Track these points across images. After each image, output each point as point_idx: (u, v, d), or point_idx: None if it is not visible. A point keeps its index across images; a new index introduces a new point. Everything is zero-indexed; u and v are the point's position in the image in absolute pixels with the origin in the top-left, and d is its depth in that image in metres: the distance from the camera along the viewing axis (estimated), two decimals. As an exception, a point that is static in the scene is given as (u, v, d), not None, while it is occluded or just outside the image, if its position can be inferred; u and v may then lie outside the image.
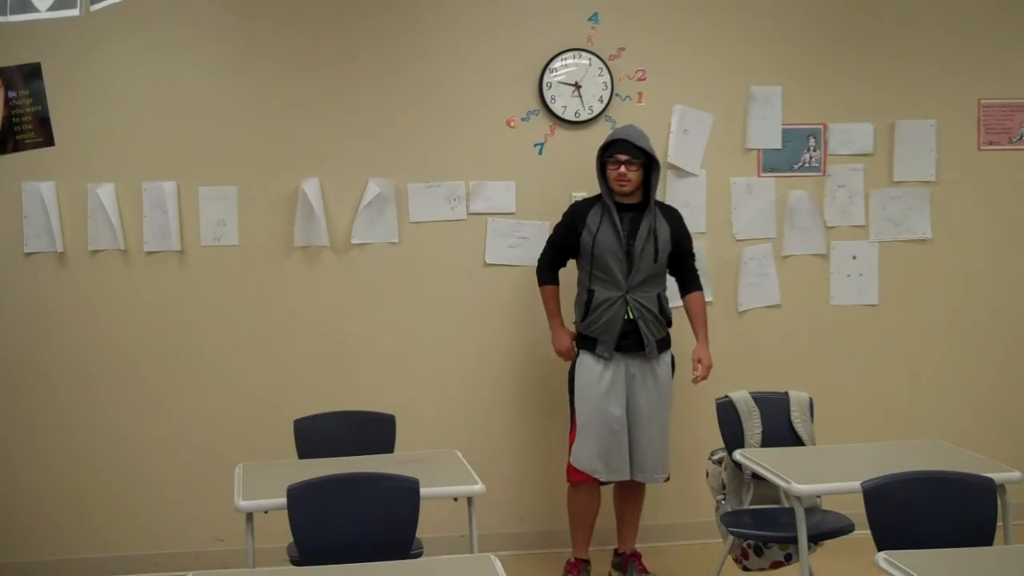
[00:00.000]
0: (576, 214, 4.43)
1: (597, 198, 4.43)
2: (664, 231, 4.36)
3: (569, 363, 4.45)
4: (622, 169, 4.30)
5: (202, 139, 4.72)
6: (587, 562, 4.54)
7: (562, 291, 4.53)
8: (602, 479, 4.37)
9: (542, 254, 4.54)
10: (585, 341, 4.37)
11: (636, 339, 4.30)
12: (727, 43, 4.99)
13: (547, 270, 4.52)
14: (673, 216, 4.48)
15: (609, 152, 4.35)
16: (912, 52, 5.10)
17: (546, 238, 4.60)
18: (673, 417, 4.97)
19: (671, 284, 4.53)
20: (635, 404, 4.34)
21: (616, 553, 4.63)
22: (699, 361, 4.43)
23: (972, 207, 5.18)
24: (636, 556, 4.56)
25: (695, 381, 4.44)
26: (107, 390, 4.73)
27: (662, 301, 4.39)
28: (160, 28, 4.67)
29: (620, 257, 4.28)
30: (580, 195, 4.87)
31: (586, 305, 4.35)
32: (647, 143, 4.35)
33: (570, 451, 4.38)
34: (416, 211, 4.84)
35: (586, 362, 4.35)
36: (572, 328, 4.49)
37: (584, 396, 4.34)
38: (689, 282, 4.53)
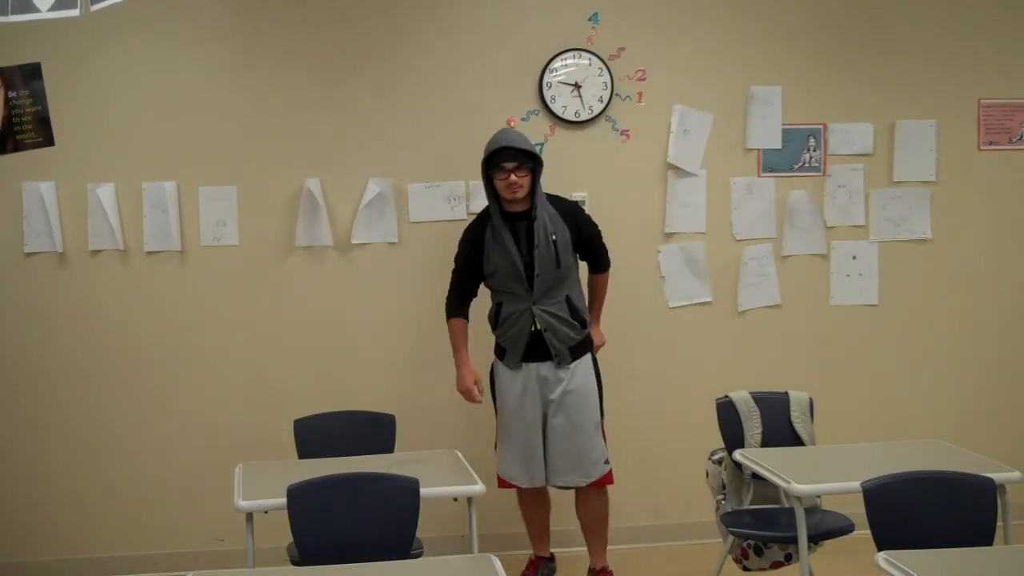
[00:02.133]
0: (470, 241, 4.30)
1: (487, 214, 4.29)
2: (563, 232, 4.21)
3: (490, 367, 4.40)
4: (512, 177, 4.12)
5: (202, 139, 4.72)
6: (547, 559, 4.53)
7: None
8: (523, 485, 4.29)
9: (449, 289, 4.37)
10: (499, 349, 4.33)
11: (545, 348, 4.22)
12: (727, 43, 4.99)
13: (453, 302, 4.35)
14: (569, 210, 4.31)
15: (493, 162, 4.15)
16: (912, 52, 5.10)
17: None
18: (673, 417, 4.99)
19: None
20: (550, 409, 4.23)
21: (590, 571, 4.44)
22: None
23: (972, 207, 5.18)
24: (605, 573, 4.41)
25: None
26: (107, 390, 4.73)
27: (573, 304, 4.25)
28: (160, 28, 4.67)
29: (520, 273, 4.16)
30: (580, 195, 4.88)
31: (495, 316, 4.30)
32: (529, 144, 4.20)
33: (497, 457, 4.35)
34: (416, 211, 4.84)
35: (500, 369, 4.31)
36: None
37: (501, 404, 4.31)
38: (596, 264, 4.43)
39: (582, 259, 4.39)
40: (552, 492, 4.47)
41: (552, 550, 4.58)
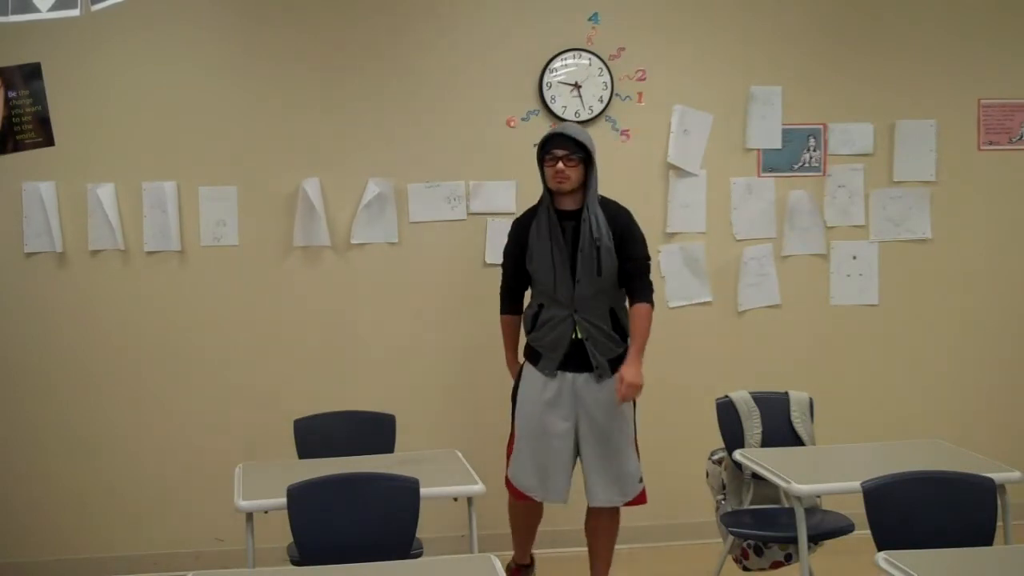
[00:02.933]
0: (517, 234, 4.10)
1: (535, 209, 4.09)
2: (608, 240, 3.96)
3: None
4: (559, 166, 3.91)
5: (202, 139, 4.72)
6: (527, 566, 4.40)
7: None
8: (537, 499, 4.06)
9: (501, 288, 4.21)
10: (531, 353, 4.09)
11: (584, 359, 3.99)
12: (727, 43, 4.99)
13: (505, 300, 4.19)
14: (620, 220, 4.04)
15: (545, 148, 3.98)
16: (912, 52, 5.10)
17: None
18: (673, 417, 4.99)
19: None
20: (586, 424, 4.01)
21: None
22: (621, 378, 3.90)
23: (972, 207, 5.18)
24: None
25: (618, 402, 3.97)
26: (107, 390, 4.73)
27: (616, 316, 4.02)
28: (160, 28, 4.67)
29: (562, 274, 3.94)
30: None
31: (533, 319, 4.06)
32: (586, 137, 3.98)
33: (508, 464, 4.12)
34: (416, 211, 4.84)
35: (530, 374, 4.06)
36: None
37: (525, 409, 4.06)
38: (634, 292, 4.02)
39: (619, 281, 4.03)
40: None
41: (537, 551, 4.48)
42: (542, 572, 4.48)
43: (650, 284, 4.06)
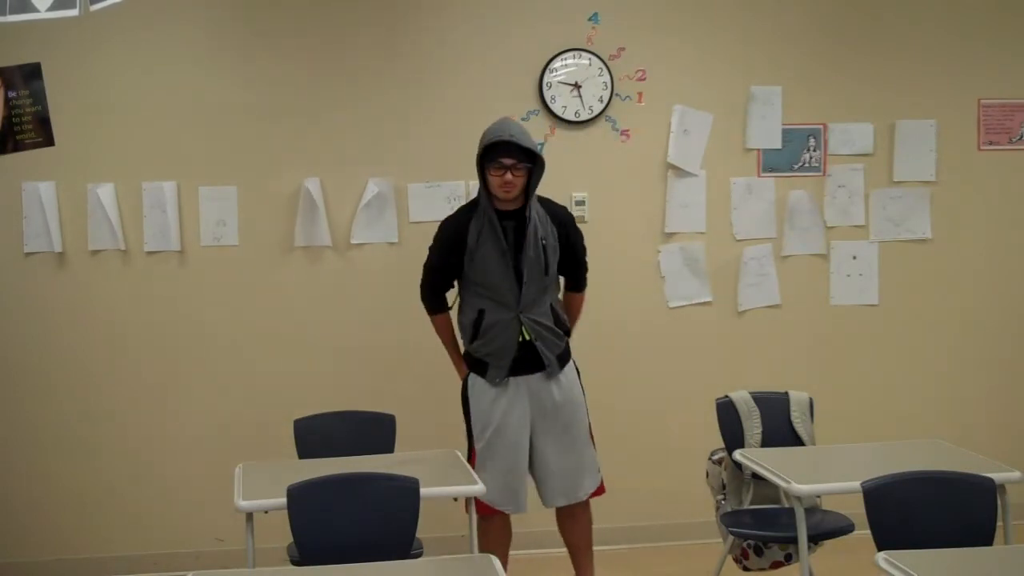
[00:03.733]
0: (453, 232, 3.96)
1: (472, 207, 3.98)
2: (552, 239, 3.94)
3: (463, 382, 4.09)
4: (507, 176, 3.80)
5: (202, 139, 4.72)
6: None
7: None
8: (509, 512, 4.00)
9: (423, 281, 4.09)
10: (475, 364, 3.98)
11: (533, 359, 3.94)
12: (727, 43, 4.99)
13: (433, 297, 4.07)
14: (561, 218, 4.02)
15: (490, 156, 3.83)
16: (912, 52, 5.10)
17: None
18: (673, 417, 4.99)
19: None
20: (543, 423, 3.98)
21: None
22: None
23: (972, 207, 5.18)
24: None
25: None
26: (107, 390, 4.73)
27: (556, 311, 4.00)
28: (160, 28, 4.67)
29: (508, 276, 3.86)
30: (581, 195, 4.88)
31: (474, 326, 3.94)
32: (530, 140, 3.89)
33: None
34: (416, 211, 4.84)
35: (478, 385, 3.97)
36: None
37: (481, 424, 3.97)
38: (578, 281, 4.14)
39: (561, 272, 4.07)
40: None
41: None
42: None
43: (587, 269, 4.18)
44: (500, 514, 4.02)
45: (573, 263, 4.10)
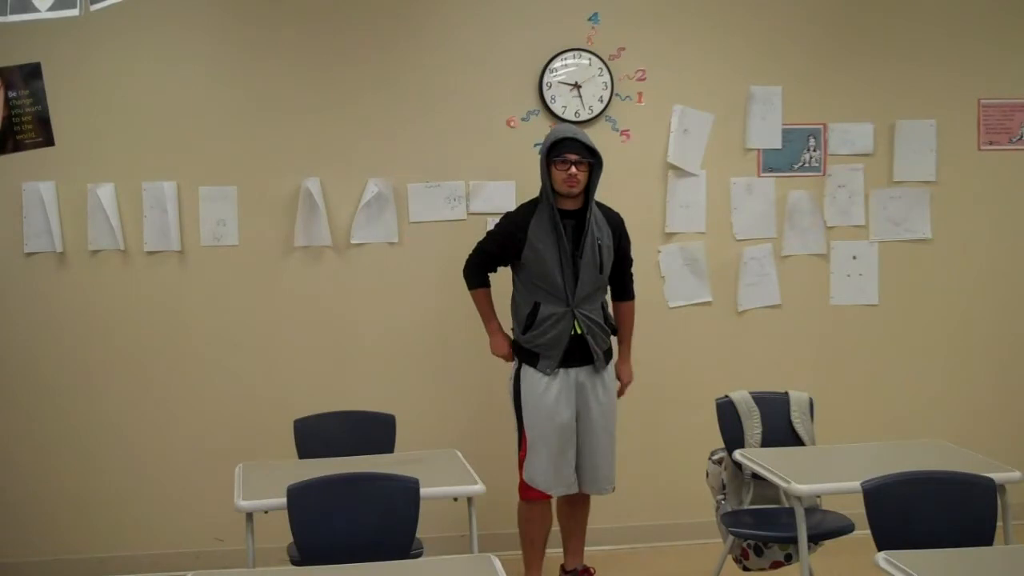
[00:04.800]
0: (515, 225, 4.17)
1: (533, 205, 4.19)
2: (607, 240, 4.18)
3: (512, 372, 4.26)
4: (572, 170, 4.05)
5: (202, 139, 4.72)
6: None
7: (496, 296, 4.36)
8: (557, 494, 4.21)
9: (471, 258, 4.30)
10: (527, 354, 4.17)
11: (583, 353, 4.14)
12: (727, 43, 4.99)
13: (478, 274, 4.29)
14: (616, 222, 4.27)
15: (557, 151, 4.08)
16: (912, 52, 5.10)
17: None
18: (673, 417, 5.00)
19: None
20: (587, 415, 4.18)
21: (564, 570, 4.43)
22: (619, 377, 4.33)
23: (972, 207, 5.18)
24: (588, 572, 4.40)
25: (619, 396, 4.34)
26: (107, 390, 4.73)
27: (606, 310, 4.24)
28: (160, 28, 4.67)
29: (567, 271, 4.08)
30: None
31: (529, 317, 4.13)
32: (593, 143, 4.15)
33: (521, 467, 4.21)
34: (416, 211, 4.84)
35: (530, 375, 4.16)
36: (509, 333, 4.33)
37: (533, 411, 4.15)
38: (624, 289, 4.36)
39: (609, 279, 4.27)
40: None
41: (518, 552, 4.40)
42: (522, 572, 4.44)
43: (633, 280, 4.40)
44: (544, 499, 4.24)
45: (621, 268, 4.30)
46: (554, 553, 4.50)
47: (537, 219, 4.13)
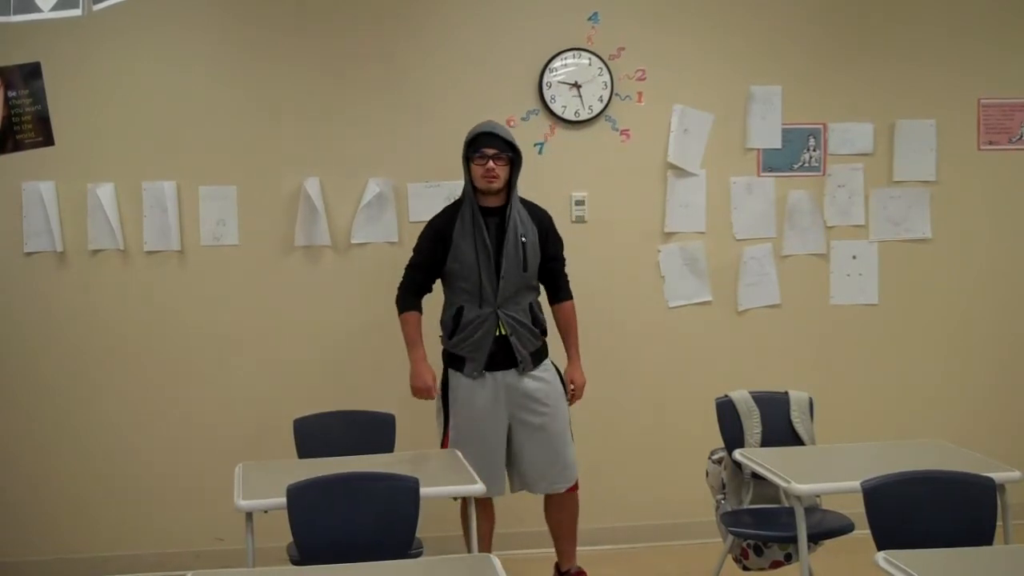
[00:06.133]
0: (436, 230, 4.11)
1: (455, 207, 4.15)
2: (532, 237, 4.09)
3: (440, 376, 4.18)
4: (490, 164, 4.00)
5: (202, 139, 4.72)
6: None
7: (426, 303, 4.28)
8: (485, 496, 3.96)
9: (404, 281, 4.20)
10: (453, 360, 4.14)
11: (507, 355, 4.07)
12: (727, 43, 4.99)
13: (411, 297, 4.16)
14: (541, 218, 4.18)
15: (474, 147, 4.04)
16: (912, 52, 5.10)
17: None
18: (673, 417, 4.99)
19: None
20: (521, 416, 4.10)
21: (558, 571, 4.38)
22: (571, 382, 4.22)
23: (972, 207, 5.18)
24: (581, 574, 4.32)
25: (571, 403, 4.23)
26: (107, 390, 4.73)
27: (535, 311, 4.14)
28: (160, 28, 4.67)
29: (488, 270, 4.01)
30: (580, 195, 4.89)
31: (453, 321, 4.09)
32: (512, 137, 4.10)
33: None
34: (416, 211, 4.84)
35: (456, 380, 4.12)
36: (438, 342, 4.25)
37: (458, 414, 4.11)
38: (558, 290, 4.25)
39: (540, 280, 4.22)
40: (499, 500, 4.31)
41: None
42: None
43: (567, 279, 4.28)
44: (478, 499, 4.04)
45: (551, 268, 4.20)
46: (548, 553, 4.51)
47: (460, 220, 4.08)
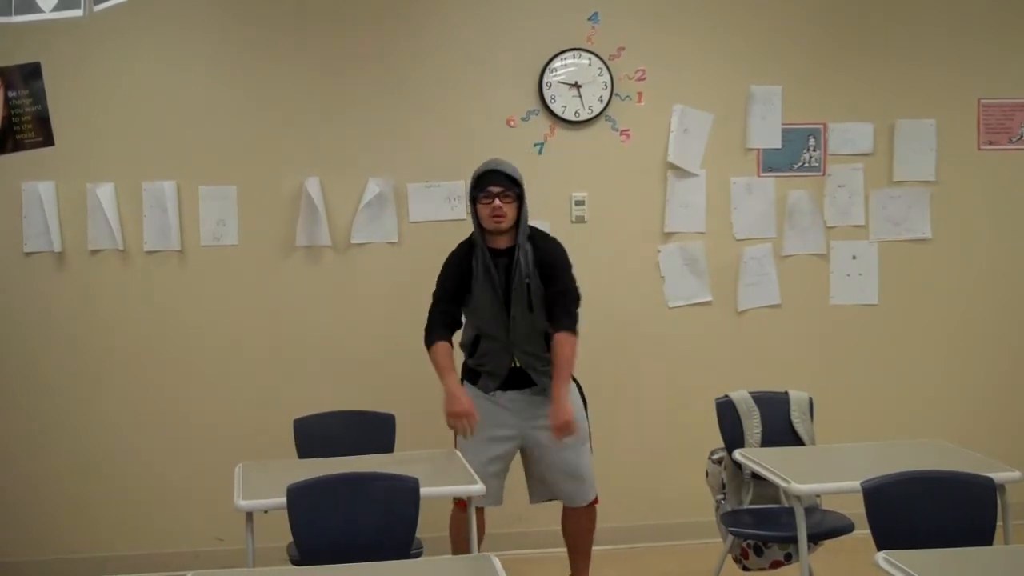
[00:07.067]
0: (458, 268, 4.02)
1: (471, 245, 4.03)
2: (535, 278, 3.95)
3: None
4: (496, 203, 3.89)
5: (202, 139, 4.72)
6: None
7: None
8: (484, 504, 4.01)
9: (430, 317, 4.02)
10: (470, 373, 4.13)
11: (524, 380, 4.03)
12: (727, 43, 4.99)
13: (438, 328, 3.98)
14: (547, 252, 4.01)
15: (480, 186, 3.93)
16: (912, 52, 5.10)
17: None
18: (673, 417, 4.99)
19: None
20: (534, 435, 4.03)
21: None
22: (555, 418, 3.85)
23: (972, 207, 5.18)
24: None
25: (557, 438, 3.91)
26: (107, 390, 4.73)
27: (550, 340, 3.95)
28: (160, 28, 4.67)
29: (499, 313, 3.96)
30: (580, 195, 4.89)
31: (472, 345, 4.09)
32: (518, 173, 3.97)
33: None
34: (416, 211, 4.84)
35: (471, 390, 4.06)
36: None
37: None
38: (558, 320, 3.92)
39: (546, 309, 4.00)
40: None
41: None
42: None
43: (575, 315, 3.97)
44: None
45: (552, 295, 3.97)
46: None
47: (475, 260, 4.00)
